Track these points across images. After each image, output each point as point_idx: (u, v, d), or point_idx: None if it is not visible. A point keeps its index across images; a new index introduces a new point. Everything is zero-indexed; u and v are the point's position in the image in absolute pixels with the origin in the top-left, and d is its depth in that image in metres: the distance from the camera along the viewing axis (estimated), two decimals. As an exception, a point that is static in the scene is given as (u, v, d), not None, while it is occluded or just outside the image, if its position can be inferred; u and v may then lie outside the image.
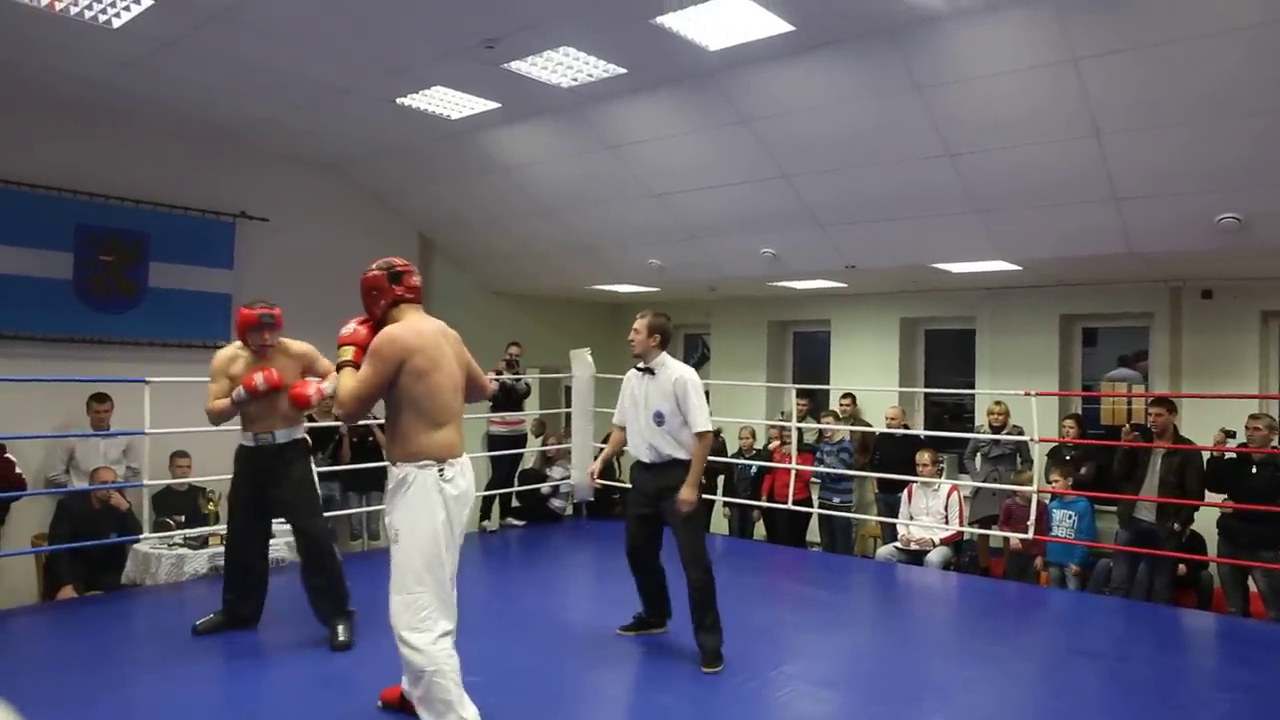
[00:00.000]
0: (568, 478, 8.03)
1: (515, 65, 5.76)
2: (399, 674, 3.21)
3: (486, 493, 7.92)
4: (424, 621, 3.01)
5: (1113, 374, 8.62)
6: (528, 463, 8.42)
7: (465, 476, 3.18)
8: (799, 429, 7.89)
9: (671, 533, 4.39)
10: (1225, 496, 6.01)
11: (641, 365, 4.50)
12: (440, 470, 3.09)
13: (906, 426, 8.19)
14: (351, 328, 3.35)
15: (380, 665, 4.14)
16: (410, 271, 3.39)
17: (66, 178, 6.97)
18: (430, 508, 3.06)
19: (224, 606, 4.60)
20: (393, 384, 3.11)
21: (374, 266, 3.38)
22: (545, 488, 8.09)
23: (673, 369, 4.41)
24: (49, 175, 6.89)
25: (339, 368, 3.26)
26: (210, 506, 6.22)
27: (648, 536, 4.52)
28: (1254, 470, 5.88)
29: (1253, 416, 6.03)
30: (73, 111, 6.91)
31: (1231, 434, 6.28)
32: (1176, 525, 6.05)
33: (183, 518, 6.09)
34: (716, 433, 8.72)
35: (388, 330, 3.16)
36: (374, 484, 7.57)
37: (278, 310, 4.59)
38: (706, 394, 4.54)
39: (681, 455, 4.34)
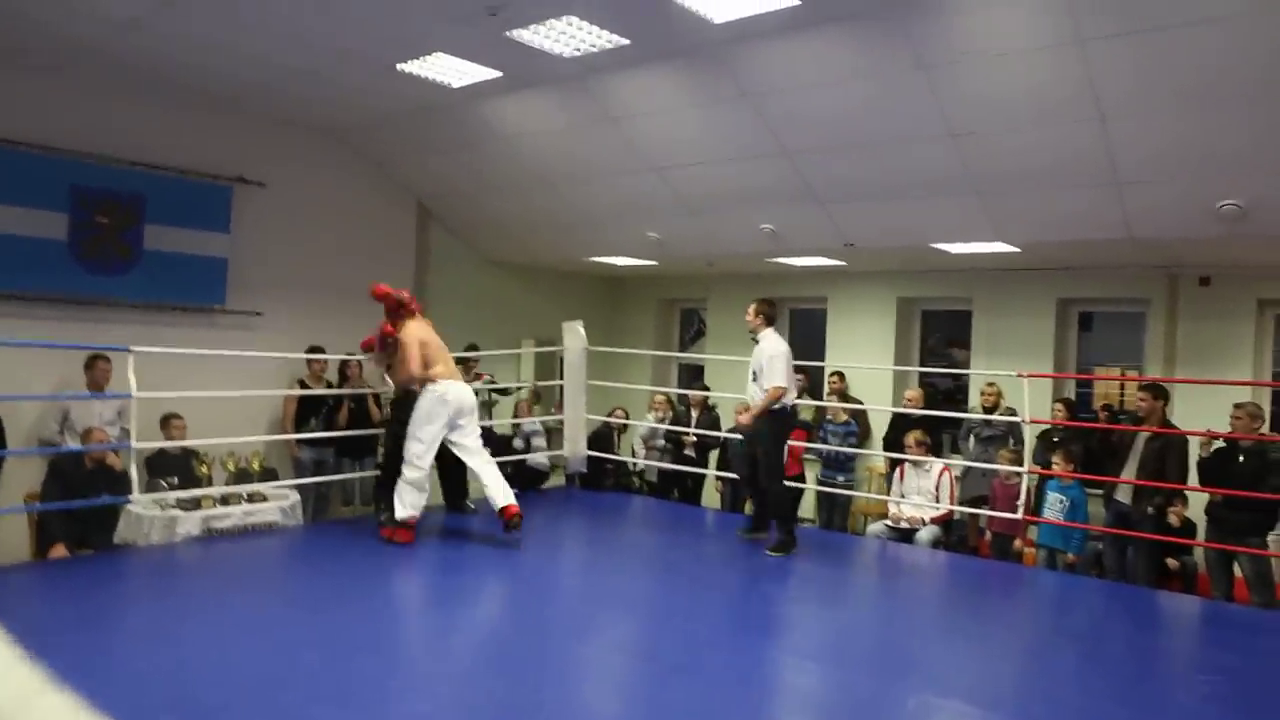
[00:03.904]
0: (537, 431, 8.10)
1: (518, 33, 5.71)
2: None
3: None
4: (413, 467, 5.65)
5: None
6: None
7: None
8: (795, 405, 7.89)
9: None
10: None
11: (753, 338, 6.02)
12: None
13: (923, 409, 8.06)
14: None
15: (388, 623, 4.17)
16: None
17: (61, 138, 6.92)
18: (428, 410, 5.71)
19: None
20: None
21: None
22: (518, 441, 8.07)
23: (765, 342, 5.93)
24: (43, 135, 6.84)
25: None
26: (203, 469, 6.23)
27: (751, 463, 6.10)
28: (1241, 459, 5.93)
29: (1236, 406, 6.06)
30: (68, 72, 6.85)
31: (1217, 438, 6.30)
32: (1151, 509, 6.10)
33: (175, 479, 6.09)
34: (712, 407, 8.75)
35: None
36: (368, 450, 7.59)
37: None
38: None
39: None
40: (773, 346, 5.90)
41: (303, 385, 7.64)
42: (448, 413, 5.72)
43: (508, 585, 5.12)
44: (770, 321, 6.03)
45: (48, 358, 6.51)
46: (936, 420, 7.79)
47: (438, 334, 6.10)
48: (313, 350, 7.65)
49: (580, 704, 3.52)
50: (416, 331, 5.90)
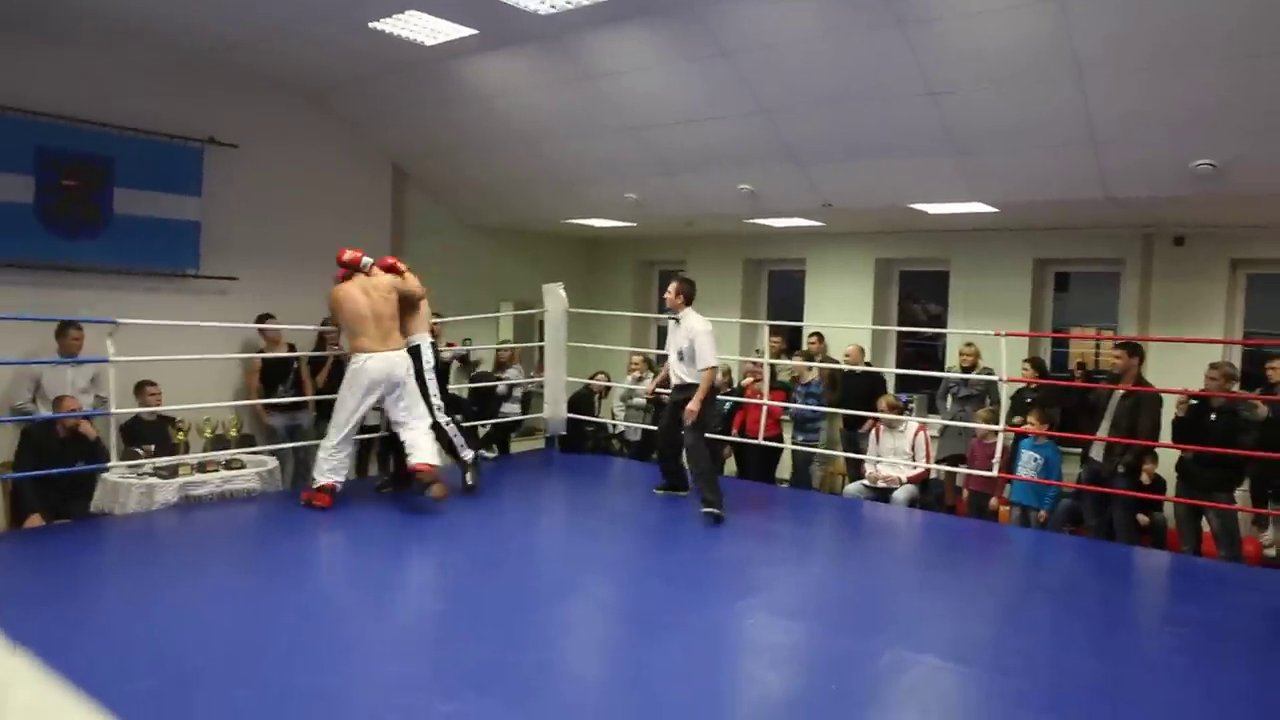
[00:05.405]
0: (518, 381, 8.36)
1: (491, -11, 5.61)
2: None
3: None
4: (330, 437, 5.71)
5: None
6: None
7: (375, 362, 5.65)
8: (772, 366, 7.94)
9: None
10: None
11: (673, 317, 6.11)
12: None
13: (868, 364, 8.27)
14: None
15: (348, 599, 4.18)
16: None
17: (25, 98, 6.74)
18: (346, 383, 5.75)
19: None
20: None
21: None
22: (502, 387, 8.23)
23: (688, 320, 6.01)
24: (7, 95, 6.64)
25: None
26: (180, 436, 6.18)
27: (672, 429, 6.21)
28: (1213, 417, 6.02)
29: (1212, 365, 6.16)
30: (32, 29, 6.65)
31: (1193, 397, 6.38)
32: (1121, 466, 6.19)
33: (152, 447, 6.05)
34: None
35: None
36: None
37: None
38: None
39: (690, 380, 5.99)
40: (698, 324, 5.95)
41: (260, 351, 7.47)
42: (364, 387, 5.64)
43: (487, 548, 5.14)
44: (689, 301, 6.08)
45: (20, 325, 6.39)
46: (914, 378, 7.89)
47: (394, 293, 5.85)
48: (262, 319, 7.42)
49: (561, 664, 3.55)
50: (350, 297, 5.70)
